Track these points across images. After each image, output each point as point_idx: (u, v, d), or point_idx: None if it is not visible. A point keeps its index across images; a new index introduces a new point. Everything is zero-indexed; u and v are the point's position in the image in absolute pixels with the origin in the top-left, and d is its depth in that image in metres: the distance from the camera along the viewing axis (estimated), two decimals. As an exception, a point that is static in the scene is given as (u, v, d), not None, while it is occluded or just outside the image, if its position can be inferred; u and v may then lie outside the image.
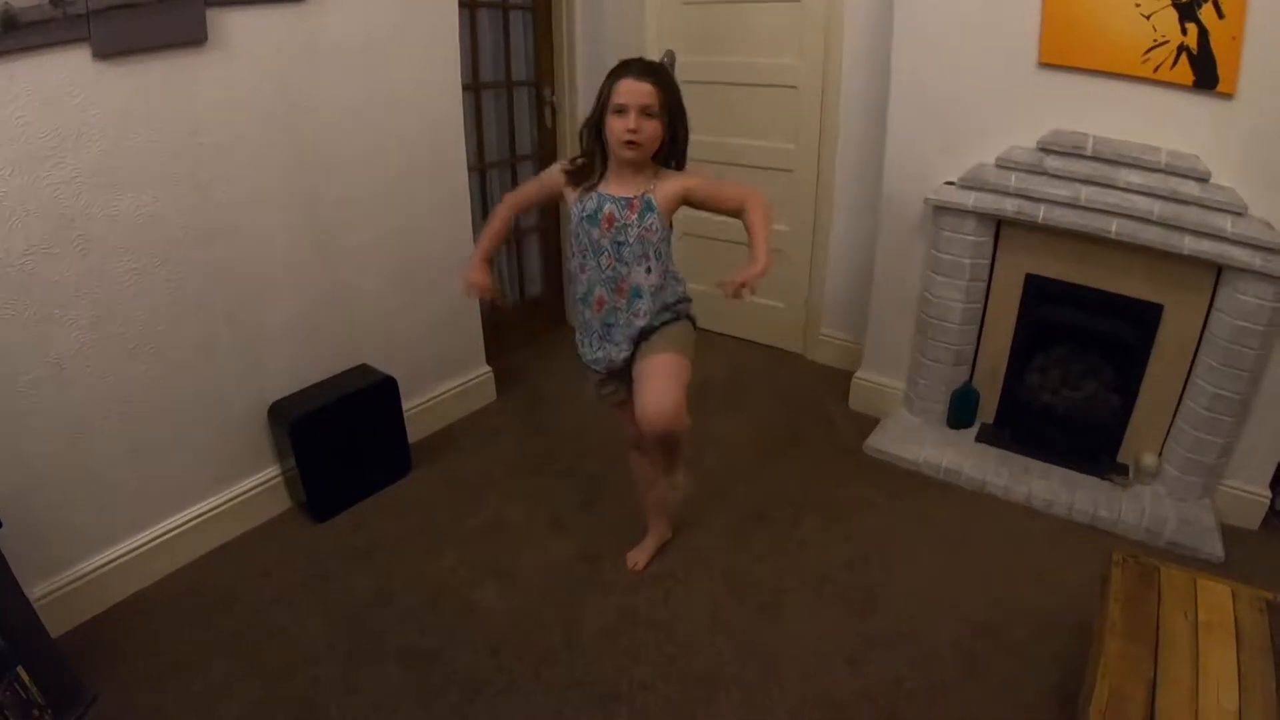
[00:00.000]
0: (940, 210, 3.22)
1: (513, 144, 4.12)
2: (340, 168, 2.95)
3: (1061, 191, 2.93)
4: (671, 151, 2.30)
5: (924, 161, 3.29)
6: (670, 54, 4.12)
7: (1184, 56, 2.70)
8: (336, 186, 2.95)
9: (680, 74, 4.13)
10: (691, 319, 2.46)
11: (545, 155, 4.23)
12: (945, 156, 3.22)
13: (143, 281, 2.49)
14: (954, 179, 3.19)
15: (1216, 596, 2.04)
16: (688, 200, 2.31)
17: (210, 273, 2.66)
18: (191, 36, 2.40)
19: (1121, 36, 2.77)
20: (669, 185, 2.28)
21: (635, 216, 2.25)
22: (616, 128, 2.18)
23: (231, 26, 2.50)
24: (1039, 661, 2.44)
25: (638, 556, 2.83)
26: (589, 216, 2.29)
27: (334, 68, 2.83)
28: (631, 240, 2.27)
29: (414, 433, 3.37)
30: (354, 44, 2.86)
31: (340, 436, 2.98)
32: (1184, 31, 2.67)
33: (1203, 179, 2.77)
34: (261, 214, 2.75)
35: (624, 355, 2.39)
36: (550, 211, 4.40)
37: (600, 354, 2.44)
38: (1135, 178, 2.83)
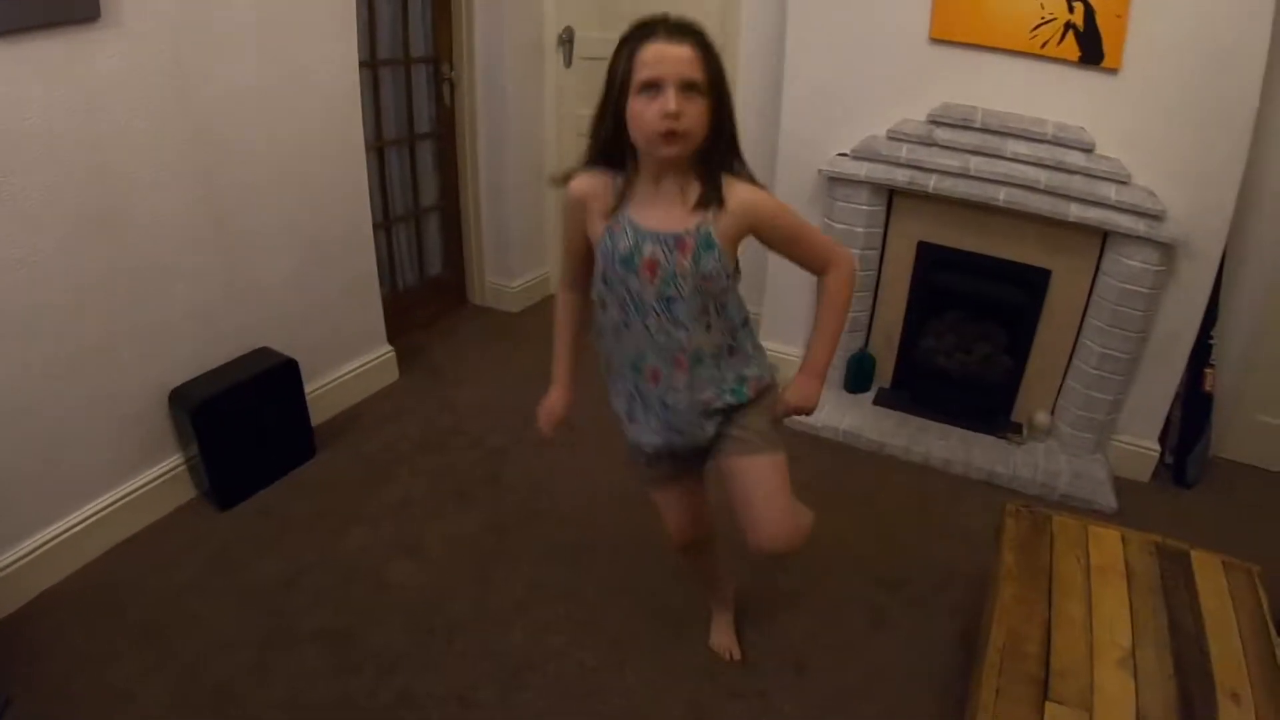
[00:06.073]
0: (834, 181, 3.29)
1: (411, 122, 4.04)
2: (237, 147, 2.85)
3: (951, 162, 3.02)
4: (715, 147, 1.64)
5: (818, 133, 3.35)
6: (569, 30, 4.16)
7: (1070, 33, 2.81)
8: (234, 166, 2.85)
9: (579, 50, 4.19)
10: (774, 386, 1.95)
11: (444, 133, 4.17)
12: (839, 129, 3.29)
13: (37, 268, 2.37)
14: (847, 150, 3.26)
15: (1107, 542, 2.15)
16: (758, 231, 1.73)
17: (108, 257, 2.54)
18: (82, 13, 2.28)
19: (1010, 13, 2.88)
20: (733, 204, 1.66)
21: (689, 261, 1.65)
22: (648, 115, 1.55)
23: (125, 2, 2.40)
24: (942, 611, 2.54)
25: (725, 643, 2.41)
26: (624, 260, 1.68)
27: (229, 43, 2.72)
28: (686, 294, 1.69)
29: (317, 414, 3.30)
30: (249, 19, 2.76)
31: (243, 421, 2.90)
32: (1070, 9, 2.78)
33: (1088, 149, 2.89)
34: (158, 195, 2.64)
35: (707, 435, 1.87)
36: (450, 182, 4.35)
37: (661, 439, 1.88)
38: (1023, 148, 2.94)
